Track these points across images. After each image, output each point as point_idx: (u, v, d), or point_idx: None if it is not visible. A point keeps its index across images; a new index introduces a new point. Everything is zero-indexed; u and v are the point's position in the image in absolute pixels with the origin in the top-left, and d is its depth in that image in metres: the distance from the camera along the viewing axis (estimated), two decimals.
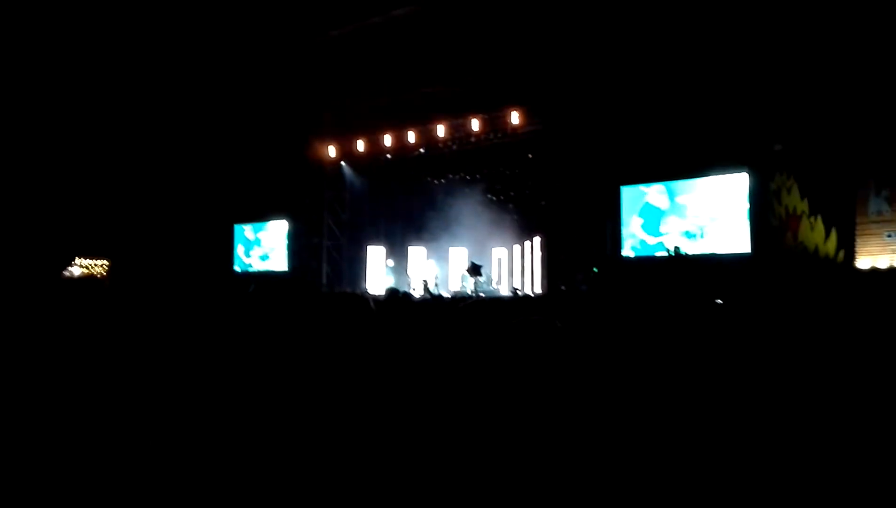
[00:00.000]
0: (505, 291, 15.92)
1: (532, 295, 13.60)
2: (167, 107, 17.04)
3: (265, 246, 18.37)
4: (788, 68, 10.08)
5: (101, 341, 2.51)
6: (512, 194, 16.27)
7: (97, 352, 2.43)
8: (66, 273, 17.23)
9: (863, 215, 9.58)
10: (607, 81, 12.29)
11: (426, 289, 13.59)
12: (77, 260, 17.77)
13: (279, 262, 17.84)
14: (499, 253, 17.42)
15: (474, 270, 15.20)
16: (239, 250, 18.88)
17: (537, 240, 14.46)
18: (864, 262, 9.54)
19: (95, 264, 18.43)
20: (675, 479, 2.06)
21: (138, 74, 16.36)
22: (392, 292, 6.95)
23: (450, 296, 14.58)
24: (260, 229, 18.52)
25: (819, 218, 10.15)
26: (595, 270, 12.35)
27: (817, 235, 10.16)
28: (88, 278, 17.70)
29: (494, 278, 17.07)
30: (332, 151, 16.65)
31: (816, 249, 10.17)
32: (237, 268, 18.72)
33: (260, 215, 18.24)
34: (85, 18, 14.58)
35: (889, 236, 9.32)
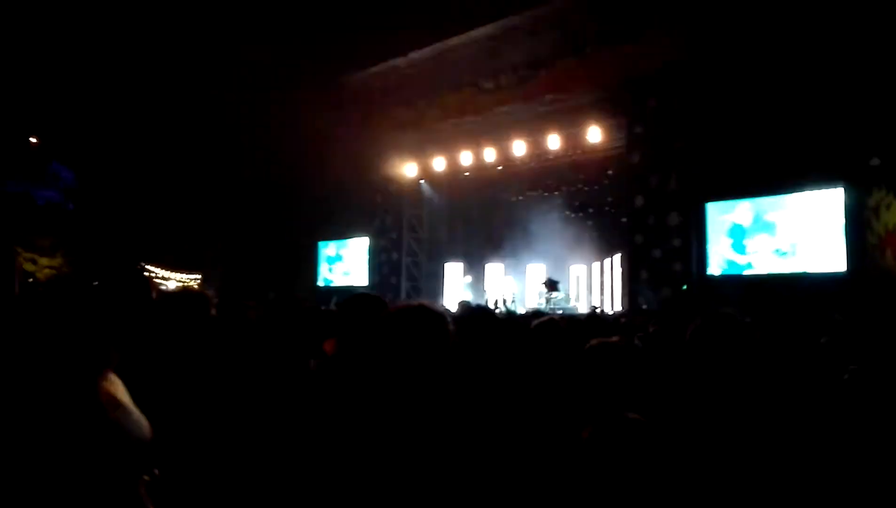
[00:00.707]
0: (583, 308, 15.67)
1: (612, 314, 13.34)
2: (259, 132, 17.90)
3: (347, 262, 18.91)
4: (886, 79, 9.54)
5: (203, 352, 2.68)
6: (591, 210, 16.05)
7: (198, 363, 2.60)
8: (163, 287, 18.28)
9: None
10: (689, 94, 11.99)
11: (498, 305, 13.56)
12: (172, 275, 18.81)
13: (360, 277, 18.30)
14: (577, 270, 17.19)
15: (551, 285, 15.05)
16: (323, 267, 19.53)
17: (617, 257, 14.19)
18: None
19: (190, 279, 19.45)
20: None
21: (237, 100, 17.28)
22: (465, 306, 6.97)
23: (525, 312, 14.48)
24: (342, 247, 19.10)
25: None
26: (684, 288, 11.98)
27: None
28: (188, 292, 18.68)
29: (573, 295, 16.85)
30: (411, 170, 16.98)
31: None
32: (321, 283, 19.35)
33: (342, 233, 18.85)
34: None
35: None
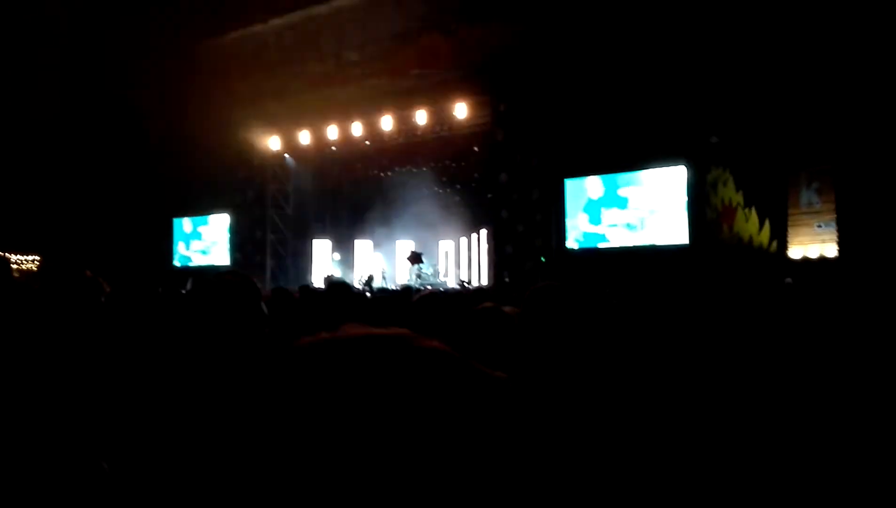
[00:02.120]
0: (452, 283, 15.97)
1: (481, 287, 13.68)
2: (106, 96, 16.40)
3: (206, 240, 17.90)
4: (726, 62, 10.39)
5: (31, 342, 2.39)
6: (458, 186, 16.31)
7: (26, 354, 2.31)
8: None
9: (795, 207, 10.00)
10: (552, 75, 12.41)
11: (368, 283, 13.48)
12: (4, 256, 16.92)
13: (221, 256, 17.41)
14: (446, 246, 17.46)
15: (415, 258, 15.19)
16: (179, 246, 18.35)
17: (484, 232, 14.54)
18: (795, 251, 9.95)
19: (25, 260, 17.61)
20: (605, 474, 2.09)
21: (76, 58, 15.70)
22: (331, 282, 6.84)
23: (397, 289, 14.54)
24: (201, 223, 18.03)
25: (753, 210, 10.53)
26: (542, 260, 12.50)
27: (751, 226, 10.55)
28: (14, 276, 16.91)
29: (441, 270, 17.10)
30: (275, 143, 16.33)
31: (751, 239, 10.56)
32: (176, 263, 18.20)
33: (201, 209, 17.77)
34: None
35: (819, 226, 9.74)
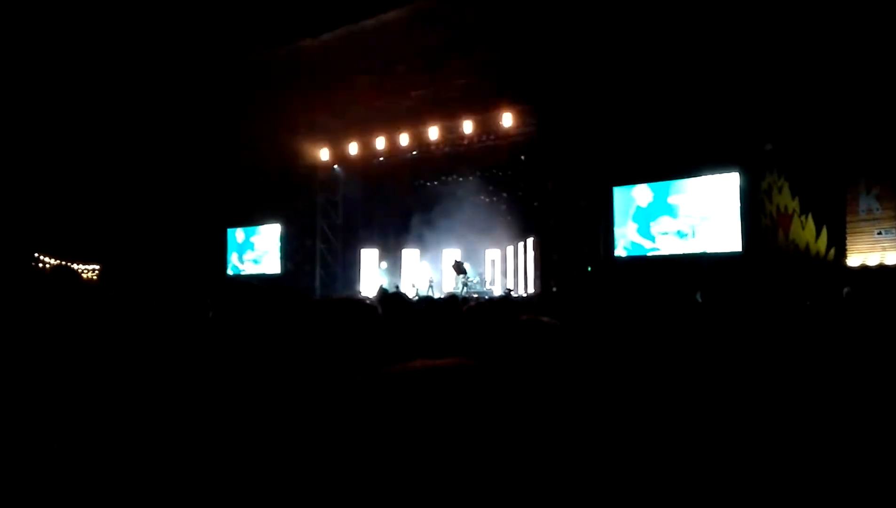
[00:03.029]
0: (498, 291, 15.95)
1: (526, 296, 13.63)
2: (159, 110, 17.00)
3: (258, 250, 18.34)
4: (779, 68, 10.14)
5: (90, 348, 2.51)
6: (505, 195, 16.30)
7: (86, 359, 2.43)
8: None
9: (853, 214, 9.66)
10: (599, 82, 12.32)
11: (416, 291, 13.58)
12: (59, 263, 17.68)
13: (272, 265, 17.81)
14: (492, 254, 17.45)
15: (457, 268, 15.24)
16: (232, 255, 18.85)
17: (531, 241, 14.49)
18: (854, 260, 9.61)
19: (86, 270, 18.35)
20: (672, 480, 2.08)
21: (130, 75, 16.32)
22: (384, 293, 6.94)
23: (440, 297, 14.60)
24: (253, 233, 18.49)
25: (810, 216, 10.22)
26: (589, 269, 12.39)
27: (808, 233, 10.23)
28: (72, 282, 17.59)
29: (487, 278, 17.10)
30: (324, 155, 16.65)
31: (807, 247, 10.24)
32: (230, 272, 18.69)
33: (253, 218, 18.23)
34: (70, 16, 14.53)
35: (879, 233, 9.40)
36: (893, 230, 9.22)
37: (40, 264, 16.19)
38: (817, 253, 10.07)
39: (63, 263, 16.86)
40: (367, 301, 1.83)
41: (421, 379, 0.78)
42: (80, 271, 17.70)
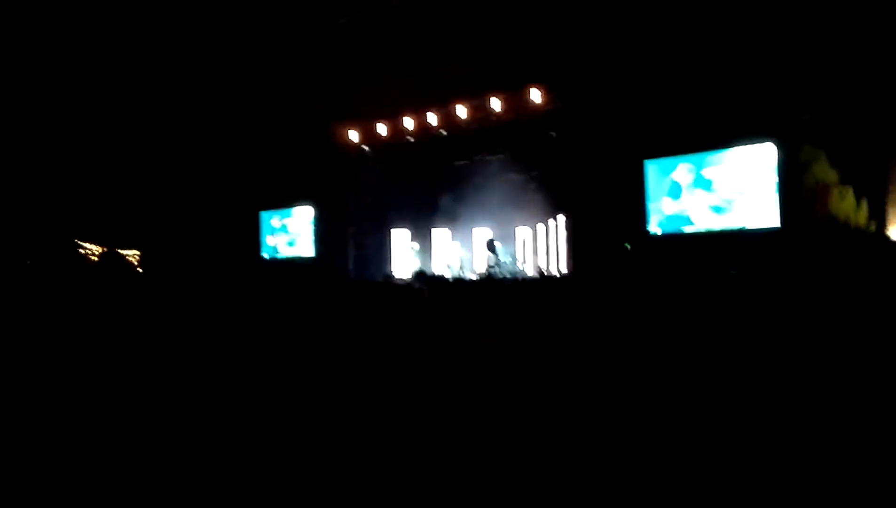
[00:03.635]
0: (531, 271, 15.92)
1: (560, 275, 13.61)
2: (192, 98, 17.23)
3: (291, 232, 18.59)
4: (816, 36, 9.87)
5: (134, 327, 2.63)
6: (535, 173, 16.17)
7: (130, 338, 2.55)
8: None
9: (894, 185, 9.43)
10: (628, 55, 12.13)
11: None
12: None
13: (305, 248, 18.05)
14: (523, 233, 17.38)
15: (489, 246, 15.27)
16: (267, 238, 19.15)
17: (561, 219, 14.40)
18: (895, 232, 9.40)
19: (127, 255, 18.78)
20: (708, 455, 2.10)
21: (163, 64, 16.55)
22: (420, 275, 7.02)
23: (476, 277, 14.66)
24: (286, 216, 18.74)
25: (850, 189, 9.99)
26: (627, 246, 12.27)
27: (848, 205, 10.01)
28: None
29: (520, 258, 17.06)
30: (354, 136, 16.71)
31: (847, 219, 10.02)
32: (265, 255, 18.99)
33: (285, 201, 18.46)
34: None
35: None
36: None
37: (83, 251, 16.61)
38: (857, 226, 9.85)
39: (110, 248, 17.30)
40: (416, 285, 1.88)
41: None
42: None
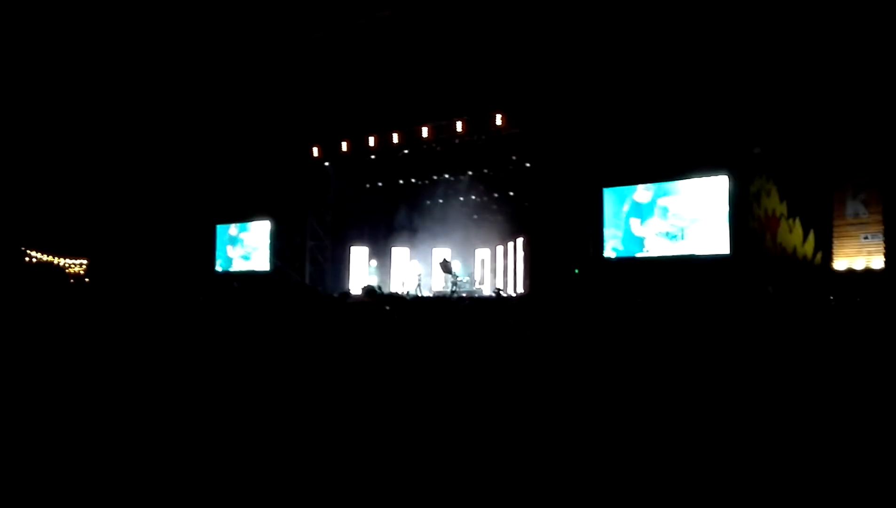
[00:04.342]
0: (487, 291, 15.99)
1: (515, 296, 13.68)
2: (150, 106, 16.91)
3: (247, 246, 18.26)
4: (768, 73, 10.24)
5: (80, 341, 2.53)
6: (495, 195, 16.32)
7: (77, 352, 2.44)
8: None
9: (840, 218, 9.77)
10: (590, 84, 12.38)
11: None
12: (55, 260, 17.55)
13: (261, 262, 17.74)
14: (482, 254, 17.47)
15: (444, 267, 15.29)
16: (223, 250, 18.75)
17: (520, 241, 14.53)
18: (840, 263, 9.72)
19: (73, 264, 18.22)
20: (644, 467, 2.11)
21: (122, 73, 16.22)
22: (370, 291, 6.94)
23: (433, 296, 14.64)
24: (243, 230, 18.41)
25: (797, 220, 10.32)
26: (576, 271, 12.45)
27: (795, 237, 10.33)
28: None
29: (477, 278, 17.12)
30: (315, 152, 16.60)
31: (795, 250, 10.34)
32: (219, 268, 18.59)
33: (243, 215, 18.15)
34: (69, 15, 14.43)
35: (866, 238, 9.50)
36: (879, 235, 9.33)
37: (27, 259, 16.04)
38: (804, 257, 10.17)
39: (50, 259, 16.75)
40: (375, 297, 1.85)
41: None
42: (66, 265, 17.58)
